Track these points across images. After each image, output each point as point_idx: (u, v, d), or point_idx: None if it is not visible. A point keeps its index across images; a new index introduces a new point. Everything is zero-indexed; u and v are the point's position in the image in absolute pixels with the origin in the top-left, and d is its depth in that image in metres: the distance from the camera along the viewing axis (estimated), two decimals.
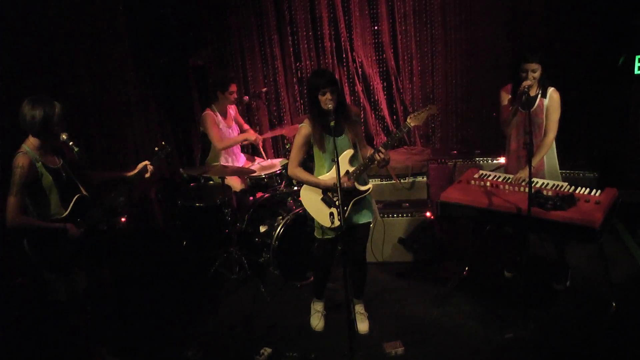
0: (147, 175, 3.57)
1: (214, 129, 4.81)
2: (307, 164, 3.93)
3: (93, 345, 3.57)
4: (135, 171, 3.55)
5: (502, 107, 4.01)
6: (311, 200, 3.66)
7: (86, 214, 3.29)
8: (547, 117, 3.84)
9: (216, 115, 4.88)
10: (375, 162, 3.46)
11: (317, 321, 3.96)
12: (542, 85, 3.80)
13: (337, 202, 3.54)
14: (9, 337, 4.06)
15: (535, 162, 3.66)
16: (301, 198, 3.72)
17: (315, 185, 3.61)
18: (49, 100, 3.14)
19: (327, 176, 3.59)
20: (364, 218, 3.69)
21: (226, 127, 4.95)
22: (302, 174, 3.64)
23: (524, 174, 3.87)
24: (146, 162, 3.58)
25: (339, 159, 3.46)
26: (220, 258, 4.67)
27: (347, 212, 3.58)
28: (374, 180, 5.19)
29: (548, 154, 3.92)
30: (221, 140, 4.83)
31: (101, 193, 3.55)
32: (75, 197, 3.28)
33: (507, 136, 4.06)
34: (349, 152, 3.56)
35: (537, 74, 3.70)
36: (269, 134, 5.57)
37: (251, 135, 5.02)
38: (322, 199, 3.62)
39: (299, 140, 3.58)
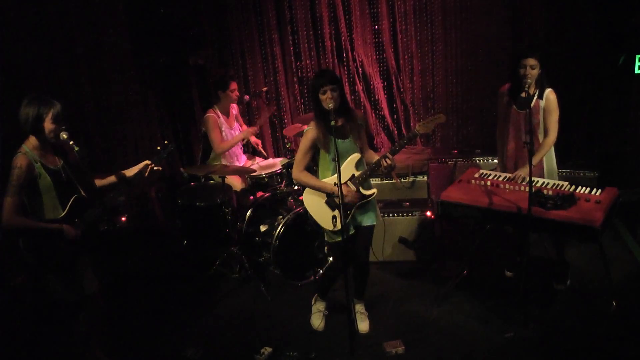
0: (147, 174, 3.54)
1: (215, 132, 4.81)
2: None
3: (91, 345, 3.56)
4: (136, 171, 3.53)
5: (499, 106, 4.03)
6: (314, 203, 3.64)
7: (84, 215, 3.28)
8: (546, 118, 3.84)
9: (219, 117, 4.88)
10: (382, 167, 3.45)
11: (318, 321, 3.96)
12: (539, 85, 3.80)
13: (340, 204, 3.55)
14: (9, 337, 4.06)
15: (535, 161, 3.66)
16: (304, 200, 3.68)
17: (322, 189, 3.58)
18: (47, 99, 3.12)
19: (333, 179, 3.55)
20: (367, 221, 3.68)
21: (228, 129, 4.94)
22: (308, 178, 3.59)
23: (523, 172, 3.88)
24: (147, 161, 3.56)
25: (346, 162, 3.47)
26: (220, 257, 4.67)
27: (351, 216, 3.57)
28: (374, 179, 5.19)
29: (547, 155, 3.92)
30: (221, 144, 4.83)
31: (101, 192, 3.53)
32: (73, 197, 3.27)
33: (503, 136, 4.06)
34: (355, 156, 3.55)
35: (535, 71, 3.69)
36: (263, 118, 5.47)
37: (248, 133, 4.99)
38: (326, 202, 3.60)
39: (305, 144, 3.54)
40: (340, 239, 3.56)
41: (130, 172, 3.51)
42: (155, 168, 3.50)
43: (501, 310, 3.90)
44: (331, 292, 4.17)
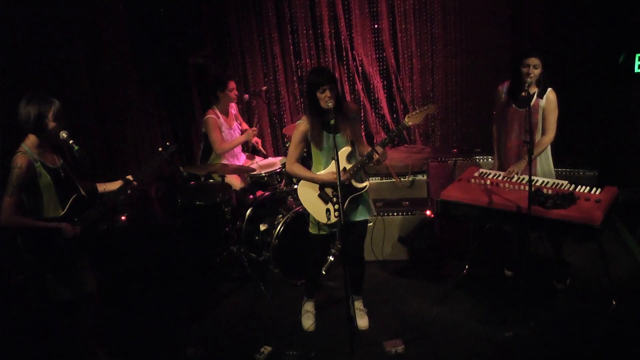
0: (129, 191, 3.52)
1: (215, 132, 4.82)
2: (307, 161, 3.93)
3: (90, 344, 3.56)
4: (116, 187, 3.50)
5: (497, 104, 4.03)
6: (308, 196, 3.67)
7: (83, 214, 3.28)
8: (545, 117, 3.84)
9: (218, 117, 4.88)
10: (374, 159, 3.48)
11: (308, 322, 3.95)
12: (540, 85, 3.80)
13: (334, 199, 3.56)
14: (9, 337, 4.06)
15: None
16: (298, 192, 3.74)
17: (313, 181, 3.63)
18: (46, 97, 3.12)
19: (324, 173, 3.61)
20: (360, 215, 3.70)
21: (228, 129, 4.95)
22: (300, 170, 3.67)
23: (517, 167, 3.88)
24: (129, 176, 3.52)
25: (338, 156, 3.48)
26: (220, 256, 4.68)
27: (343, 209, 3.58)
28: (374, 178, 5.19)
29: (542, 157, 3.92)
30: (222, 145, 4.84)
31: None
32: (73, 197, 3.27)
33: (500, 134, 4.06)
34: (346, 150, 3.57)
35: (537, 71, 3.70)
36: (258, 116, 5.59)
37: (250, 135, 5.02)
38: (319, 195, 3.64)
39: (296, 137, 3.60)
40: (326, 232, 3.69)
41: (113, 185, 3.50)
42: (134, 183, 3.50)
43: (501, 309, 3.90)
44: (330, 291, 4.17)
